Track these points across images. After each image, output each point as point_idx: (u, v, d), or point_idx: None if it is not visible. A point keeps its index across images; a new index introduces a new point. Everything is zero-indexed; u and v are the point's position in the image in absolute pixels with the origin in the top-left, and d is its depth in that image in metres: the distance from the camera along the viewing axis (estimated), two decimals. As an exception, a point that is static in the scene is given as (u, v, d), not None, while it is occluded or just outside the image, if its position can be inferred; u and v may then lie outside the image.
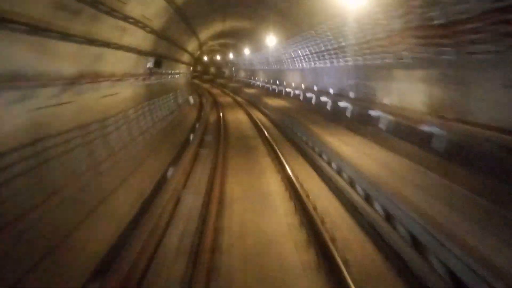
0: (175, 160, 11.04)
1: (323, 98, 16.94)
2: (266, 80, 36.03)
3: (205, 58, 77.98)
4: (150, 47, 12.13)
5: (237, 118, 22.70)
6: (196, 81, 74.02)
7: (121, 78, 9.75)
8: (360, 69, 12.91)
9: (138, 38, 10.46)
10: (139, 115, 11.41)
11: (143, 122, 11.53)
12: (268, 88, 34.23)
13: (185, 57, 23.37)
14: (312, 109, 18.87)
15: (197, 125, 18.31)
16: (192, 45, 23.41)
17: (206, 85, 61.95)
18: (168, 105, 16.52)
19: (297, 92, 22.96)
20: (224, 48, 48.80)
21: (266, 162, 11.95)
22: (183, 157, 11.32)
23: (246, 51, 35.94)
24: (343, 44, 13.49)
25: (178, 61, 20.28)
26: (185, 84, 26.52)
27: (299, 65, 22.71)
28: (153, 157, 10.60)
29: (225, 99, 36.50)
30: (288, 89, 25.62)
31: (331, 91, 16.53)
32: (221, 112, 24.46)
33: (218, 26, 23.93)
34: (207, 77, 78.73)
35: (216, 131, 17.73)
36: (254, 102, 30.20)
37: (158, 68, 13.33)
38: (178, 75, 21.48)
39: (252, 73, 43.23)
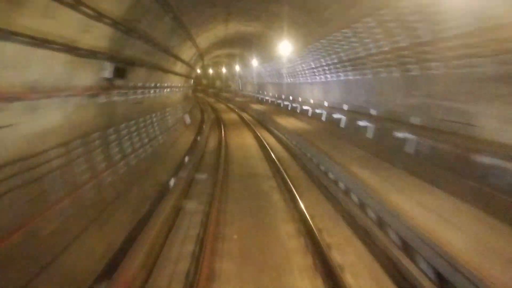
0: (132, 236, 6.37)
1: (362, 122, 12.23)
2: (277, 95, 31.51)
3: (210, 70, 74.52)
4: (102, 45, 7.61)
5: (243, 143, 18.05)
6: (200, 95, 70.28)
7: (22, 96, 5.16)
8: (435, 81, 8.22)
9: (67, 24, 5.94)
10: (78, 156, 6.80)
11: (84, 168, 6.91)
12: (279, 105, 29.67)
13: (179, 67, 18.96)
14: (343, 136, 14.11)
15: (186, 159, 13.64)
16: (188, 53, 19.02)
17: (211, 100, 57.95)
18: (147, 130, 11.96)
19: (317, 111, 18.31)
20: (229, 60, 44.75)
21: (290, 233, 7.19)
22: (148, 227, 6.65)
23: (254, 62, 31.67)
24: (404, 44, 8.84)
25: (167, 71, 15.83)
26: (180, 100, 22.09)
27: (321, 78, 18.11)
28: (88, 237, 5.90)
29: (229, 116, 32.01)
30: (305, 107, 21.02)
31: (374, 112, 11.83)
32: (223, 135, 19.85)
33: (219, 30, 19.57)
34: (212, 90, 75.18)
35: (213, 166, 13.06)
36: (263, 121, 25.60)
37: (122, 79, 8.81)
38: (168, 90, 17.03)
39: (261, 87, 38.83)
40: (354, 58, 12.38)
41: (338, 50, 13.60)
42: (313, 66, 18.15)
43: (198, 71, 79.12)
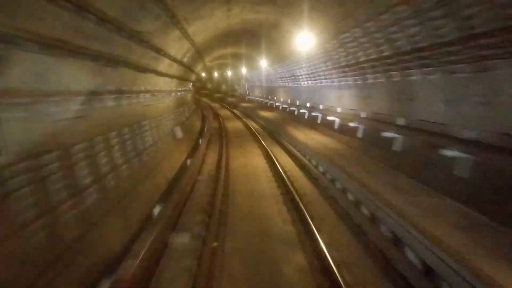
0: None
1: (447, 151, 7.44)
2: (289, 101, 26.84)
3: (216, 74, 70.42)
4: None
5: (251, 167, 13.30)
6: (205, 99, 66.17)
7: None
8: None
9: None
10: None
11: None
12: (292, 112, 24.99)
13: (166, 66, 14.41)
14: (404, 168, 9.33)
15: (158, 208, 8.86)
16: (177, 46, 14.45)
17: (215, 105, 53.60)
18: (94, 162, 7.33)
19: (351, 124, 13.51)
20: (235, 61, 40.29)
21: None
22: None
23: (263, 63, 27.09)
24: None
25: (144, 70, 11.25)
26: (172, 109, 17.54)
27: (356, 79, 13.40)
28: None
29: (234, 126, 27.39)
30: (330, 117, 16.27)
31: (469, 135, 7.07)
32: (224, 153, 15.22)
33: (219, 18, 14.99)
34: (218, 95, 71.00)
35: (204, 213, 8.41)
36: (275, 134, 20.92)
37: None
38: (147, 96, 12.44)
39: (271, 91, 34.22)
40: (431, 46, 7.63)
41: (396, 36, 8.88)
42: (345, 63, 13.44)
43: (203, 74, 75.28)
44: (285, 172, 11.86)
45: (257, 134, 20.72)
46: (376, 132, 11.37)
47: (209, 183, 11.23)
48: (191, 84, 28.89)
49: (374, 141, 11.62)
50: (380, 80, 11.30)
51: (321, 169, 11.74)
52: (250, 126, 25.32)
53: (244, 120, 29.95)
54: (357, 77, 13.07)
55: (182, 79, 20.38)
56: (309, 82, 20.15)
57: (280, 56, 22.47)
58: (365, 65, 11.75)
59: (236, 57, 35.36)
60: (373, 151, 11.36)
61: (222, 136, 20.62)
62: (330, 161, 11.04)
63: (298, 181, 11.23)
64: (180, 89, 20.93)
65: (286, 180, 10.72)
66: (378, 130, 11.14)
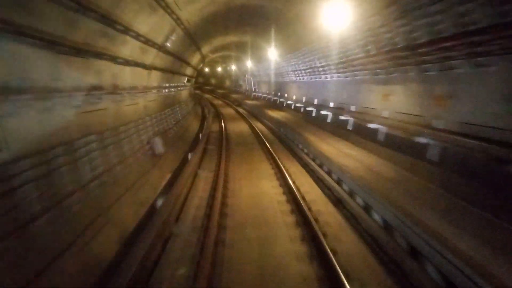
0: None
1: None
2: (305, 99, 22.10)
3: (219, 69, 66.00)
4: None
5: (260, 201, 8.61)
6: (208, 96, 61.97)
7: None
8: None
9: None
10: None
11: None
12: (309, 113, 20.26)
13: (136, 51, 9.83)
14: None
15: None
16: (150, 22, 9.84)
17: (218, 102, 49.11)
18: None
19: (419, 140, 8.74)
20: (239, 54, 35.67)
21: None
22: None
23: (272, 53, 22.49)
24: None
25: (78, 50, 6.68)
26: (152, 112, 13.02)
27: (424, 68, 8.68)
28: None
29: (238, 129, 22.77)
30: (372, 125, 11.52)
31: None
32: (222, 172, 10.66)
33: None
34: (221, 91, 66.59)
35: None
36: (290, 142, 16.25)
37: None
38: (107, 97, 7.88)
39: (280, 87, 29.49)
40: None
41: None
42: (405, 44, 8.71)
43: (206, 69, 70.54)
44: (316, 219, 7.23)
45: (267, 143, 16.07)
46: (476, 159, 6.66)
47: (191, 242, 6.64)
48: (187, 79, 24.31)
49: (469, 173, 6.92)
50: (485, 69, 6.58)
51: (376, 216, 7.10)
52: (257, 130, 20.67)
53: (250, 121, 25.30)
54: (427, 65, 8.35)
55: (169, 71, 15.79)
56: (335, 75, 15.43)
57: (294, 43, 17.78)
58: (452, 43, 7.01)
59: (240, 47, 30.72)
60: (468, 190, 6.66)
61: (222, 145, 16.03)
62: (392, 204, 6.40)
63: (341, 239, 6.58)
64: (167, 85, 16.36)
65: (320, 237, 6.10)
66: (483, 154, 6.44)
